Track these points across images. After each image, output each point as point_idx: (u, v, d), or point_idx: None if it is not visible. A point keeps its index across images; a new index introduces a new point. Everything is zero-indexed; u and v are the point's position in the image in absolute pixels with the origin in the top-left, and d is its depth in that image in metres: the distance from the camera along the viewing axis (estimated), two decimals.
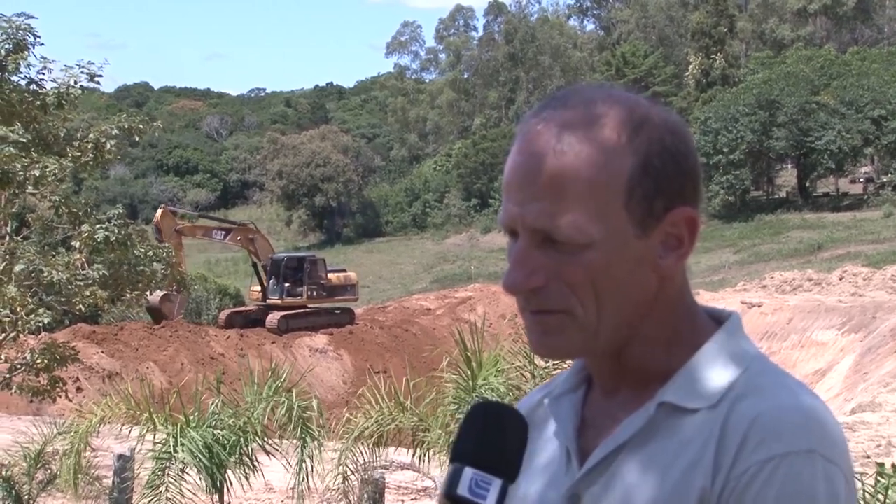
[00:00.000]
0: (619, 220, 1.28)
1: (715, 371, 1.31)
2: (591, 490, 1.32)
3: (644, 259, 1.30)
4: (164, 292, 29.81)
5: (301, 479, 8.67)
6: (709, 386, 1.30)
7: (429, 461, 8.40)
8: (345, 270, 39.09)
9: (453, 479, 1.22)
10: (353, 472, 8.74)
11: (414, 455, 8.76)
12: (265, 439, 8.77)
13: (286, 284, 35.42)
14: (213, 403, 8.72)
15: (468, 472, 1.22)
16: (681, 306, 1.35)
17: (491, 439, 1.25)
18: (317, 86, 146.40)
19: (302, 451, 8.69)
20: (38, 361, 13.79)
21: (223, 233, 36.87)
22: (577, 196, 1.27)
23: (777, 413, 1.24)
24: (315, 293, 35.87)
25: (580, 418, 1.39)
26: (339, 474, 8.61)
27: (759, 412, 1.24)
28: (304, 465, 8.70)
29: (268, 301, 35.35)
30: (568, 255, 1.28)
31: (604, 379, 1.38)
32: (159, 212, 33.65)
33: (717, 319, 1.38)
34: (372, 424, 8.45)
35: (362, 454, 8.70)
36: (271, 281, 35.59)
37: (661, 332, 1.33)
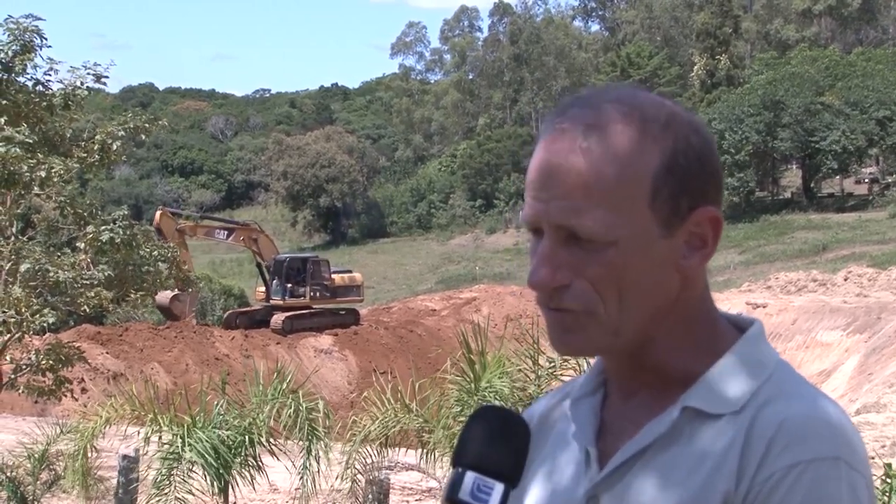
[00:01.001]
0: (644, 218, 1.28)
1: (740, 377, 1.31)
2: (610, 492, 1.32)
3: (668, 259, 1.30)
4: (174, 293, 29.89)
5: (306, 480, 8.66)
6: (733, 391, 1.30)
7: (434, 462, 8.39)
8: (350, 271, 39.11)
9: (455, 484, 1.23)
10: (359, 473, 8.73)
11: (419, 456, 8.74)
12: (271, 440, 8.76)
13: (288, 285, 35.41)
14: (218, 404, 8.71)
15: (470, 477, 1.22)
16: (701, 310, 1.35)
17: (493, 444, 1.25)
18: (321, 86, 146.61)
19: (308, 452, 8.68)
20: (44, 362, 13.83)
21: (226, 232, 36.90)
22: (602, 194, 1.27)
23: (803, 419, 1.24)
24: (318, 294, 35.85)
25: (599, 421, 1.39)
26: (347, 477, 8.59)
27: (785, 417, 1.25)
28: (309, 466, 8.69)
29: (270, 301, 35.37)
30: (592, 252, 1.28)
31: (623, 380, 1.38)
32: (158, 213, 33.65)
33: (738, 326, 1.38)
34: (377, 427, 8.43)
35: (368, 455, 8.68)
36: (274, 281, 35.60)
37: (682, 334, 1.33)
